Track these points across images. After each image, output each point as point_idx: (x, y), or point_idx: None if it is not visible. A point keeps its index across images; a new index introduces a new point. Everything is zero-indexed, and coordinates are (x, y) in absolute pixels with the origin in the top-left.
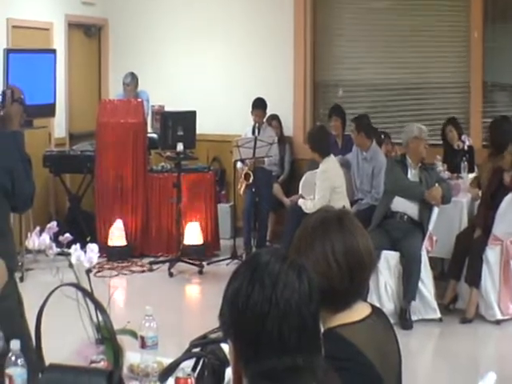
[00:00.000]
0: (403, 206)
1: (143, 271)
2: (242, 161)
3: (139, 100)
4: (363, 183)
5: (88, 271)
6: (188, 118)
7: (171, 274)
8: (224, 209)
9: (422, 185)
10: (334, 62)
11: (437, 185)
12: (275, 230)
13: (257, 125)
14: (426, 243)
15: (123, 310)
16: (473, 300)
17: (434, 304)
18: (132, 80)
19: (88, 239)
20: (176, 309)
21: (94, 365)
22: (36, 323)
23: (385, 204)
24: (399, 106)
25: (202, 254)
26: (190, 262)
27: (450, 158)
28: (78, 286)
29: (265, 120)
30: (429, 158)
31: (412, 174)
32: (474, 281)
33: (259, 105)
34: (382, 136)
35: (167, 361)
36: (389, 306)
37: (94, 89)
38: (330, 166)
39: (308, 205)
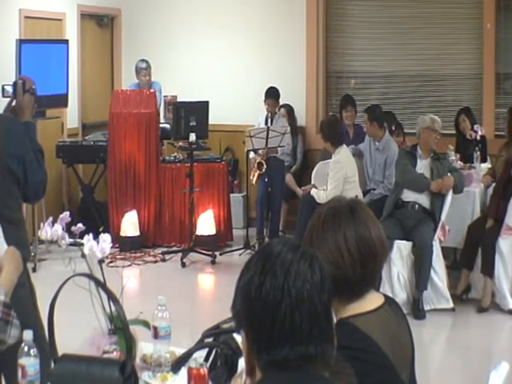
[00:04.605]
0: (414, 195)
1: (156, 261)
2: (255, 151)
3: (152, 90)
4: (375, 173)
5: (101, 261)
6: (200, 109)
7: (184, 264)
8: (236, 199)
9: (433, 175)
10: (347, 52)
11: (449, 174)
12: (288, 220)
13: (269, 114)
14: (438, 233)
15: (136, 301)
16: (487, 289)
17: (447, 294)
18: (147, 65)
19: (101, 229)
20: (189, 299)
21: (106, 355)
22: (49, 313)
23: (395, 195)
24: (412, 97)
25: (214, 244)
26: (203, 252)
27: (462, 148)
28: (90, 276)
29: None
30: (441, 147)
31: (422, 165)
32: (488, 270)
33: (272, 94)
34: (393, 127)
35: (180, 351)
36: (401, 296)
37: (107, 79)
38: (343, 156)
39: (321, 195)
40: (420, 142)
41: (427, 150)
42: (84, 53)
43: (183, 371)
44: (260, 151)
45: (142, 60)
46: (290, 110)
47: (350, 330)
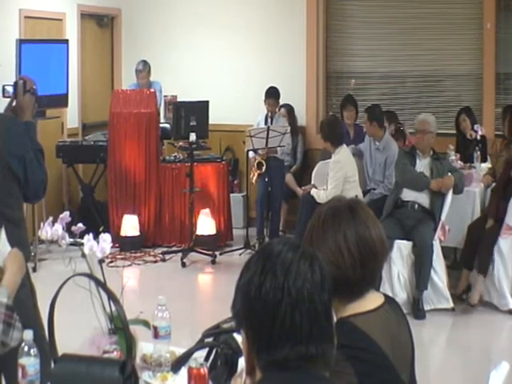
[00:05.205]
0: (414, 194)
1: (156, 261)
2: (255, 151)
3: (152, 90)
4: (376, 173)
5: (101, 261)
6: (201, 108)
7: (184, 264)
8: (237, 198)
9: (432, 175)
10: (347, 52)
11: (450, 174)
12: (288, 220)
13: (269, 114)
14: (438, 233)
15: (136, 300)
16: (477, 287)
17: (447, 293)
18: (144, 67)
19: (101, 229)
20: (189, 299)
21: (106, 355)
22: (49, 313)
23: (394, 194)
24: (412, 97)
25: (214, 244)
26: (203, 251)
27: (462, 148)
28: (91, 276)
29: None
30: (441, 147)
31: (421, 165)
32: (483, 269)
33: (272, 94)
34: (393, 131)
35: (180, 351)
36: (402, 296)
37: (107, 79)
38: (343, 155)
39: (321, 195)
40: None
41: (421, 150)
42: (84, 53)
43: (183, 371)
44: (260, 151)
45: (140, 61)
46: (290, 110)
47: (350, 329)
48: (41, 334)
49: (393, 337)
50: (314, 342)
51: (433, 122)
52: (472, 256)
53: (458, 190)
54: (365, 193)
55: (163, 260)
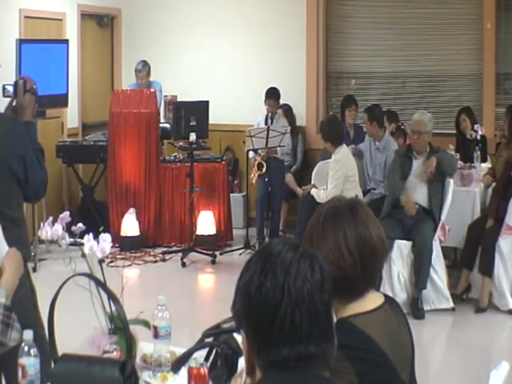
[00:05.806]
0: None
1: (156, 261)
2: (255, 151)
3: (152, 90)
4: (376, 173)
5: (101, 261)
6: (201, 108)
7: (184, 264)
8: (237, 198)
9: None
10: (347, 52)
11: (433, 158)
12: (288, 220)
13: (270, 114)
14: (438, 233)
15: (136, 300)
16: (485, 289)
17: (447, 293)
18: (144, 67)
19: (101, 229)
20: (189, 299)
21: (106, 355)
22: (49, 313)
23: (392, 195)
24: (412, 97)
25: (214, 244)
26: (203, 251)
27: (462, 148)
28: (91, 276)
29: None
30: (441, 147)
31: (417, 164)
32: (487, 270)
33: (272, 94)
34: (394, 130)
35: (180, 351)
36: (401, 296)
37: (107, 79)
38: (343, 155)
39: (321, 195)
40: None
41: (417, 150)
42: (84, 53)
43: (183, 371)
44: (260, 151)
45: (140, 61)
46: (287, 110)
47: (349, 329)
48: (41, 334)
49: (393, 337)
50: (314, 341)
51: (428, 121)
52: (472, 256)
53: (448, 172)
54: (365, 193)
55: (163, 260)
